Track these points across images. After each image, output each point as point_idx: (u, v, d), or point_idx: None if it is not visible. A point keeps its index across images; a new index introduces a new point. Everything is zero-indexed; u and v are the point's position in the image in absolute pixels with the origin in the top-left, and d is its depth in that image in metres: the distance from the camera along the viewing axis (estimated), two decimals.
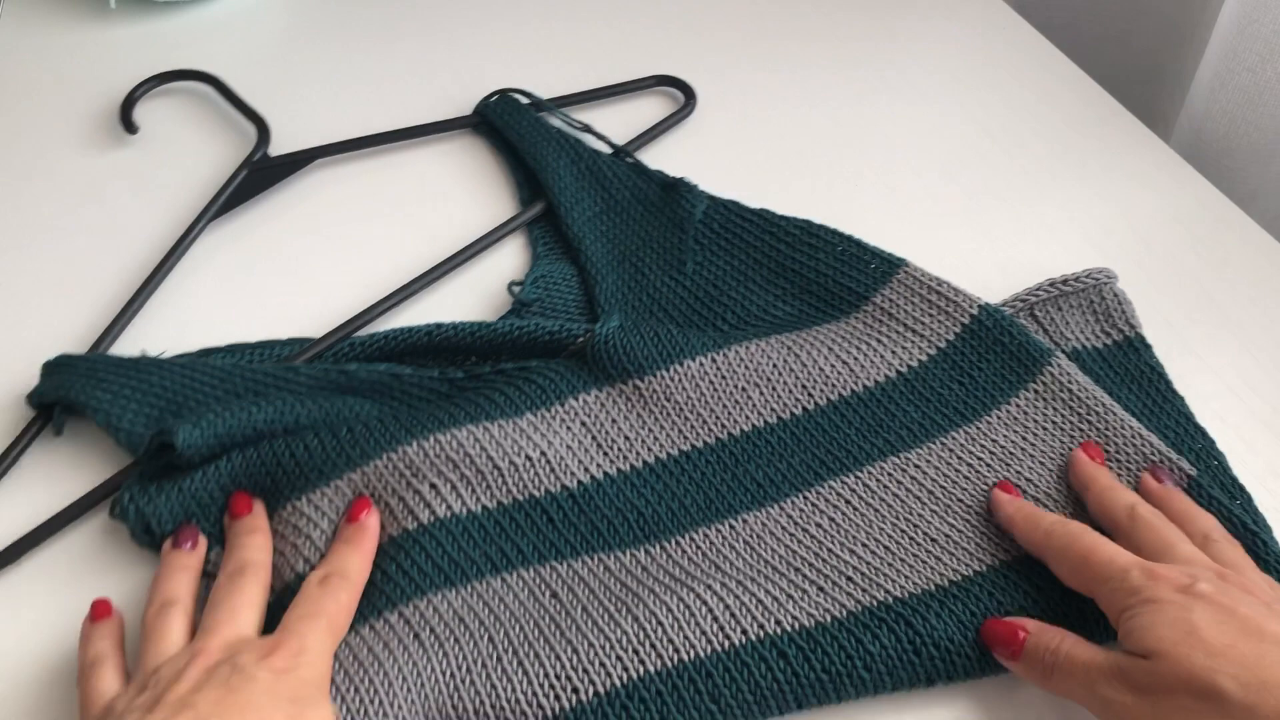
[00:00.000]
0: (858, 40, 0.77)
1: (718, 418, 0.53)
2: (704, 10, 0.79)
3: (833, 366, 0.55)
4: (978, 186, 0.68)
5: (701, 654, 0.44)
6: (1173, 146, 0.71)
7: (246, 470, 0.50)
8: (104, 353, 0.57)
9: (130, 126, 0.70)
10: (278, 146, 0.68)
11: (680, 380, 0.54)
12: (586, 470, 0.51)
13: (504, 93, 0.70)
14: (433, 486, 0.49)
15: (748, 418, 0.53)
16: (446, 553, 0.47)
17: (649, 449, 0.52)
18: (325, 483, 0.49)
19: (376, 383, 0.54)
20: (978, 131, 0.71)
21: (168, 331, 0.60)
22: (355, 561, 0.47)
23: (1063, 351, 0.56)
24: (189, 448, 0.50)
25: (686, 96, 0.72)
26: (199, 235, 0.63)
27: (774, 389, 0.54)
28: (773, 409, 0.54)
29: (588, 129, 0.68)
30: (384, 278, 0.62)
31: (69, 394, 0.53)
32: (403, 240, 0.64)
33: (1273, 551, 0.48)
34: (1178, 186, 0.67)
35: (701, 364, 0.54)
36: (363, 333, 0.58)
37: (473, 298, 0.62)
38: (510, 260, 0.64)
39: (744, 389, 0.54)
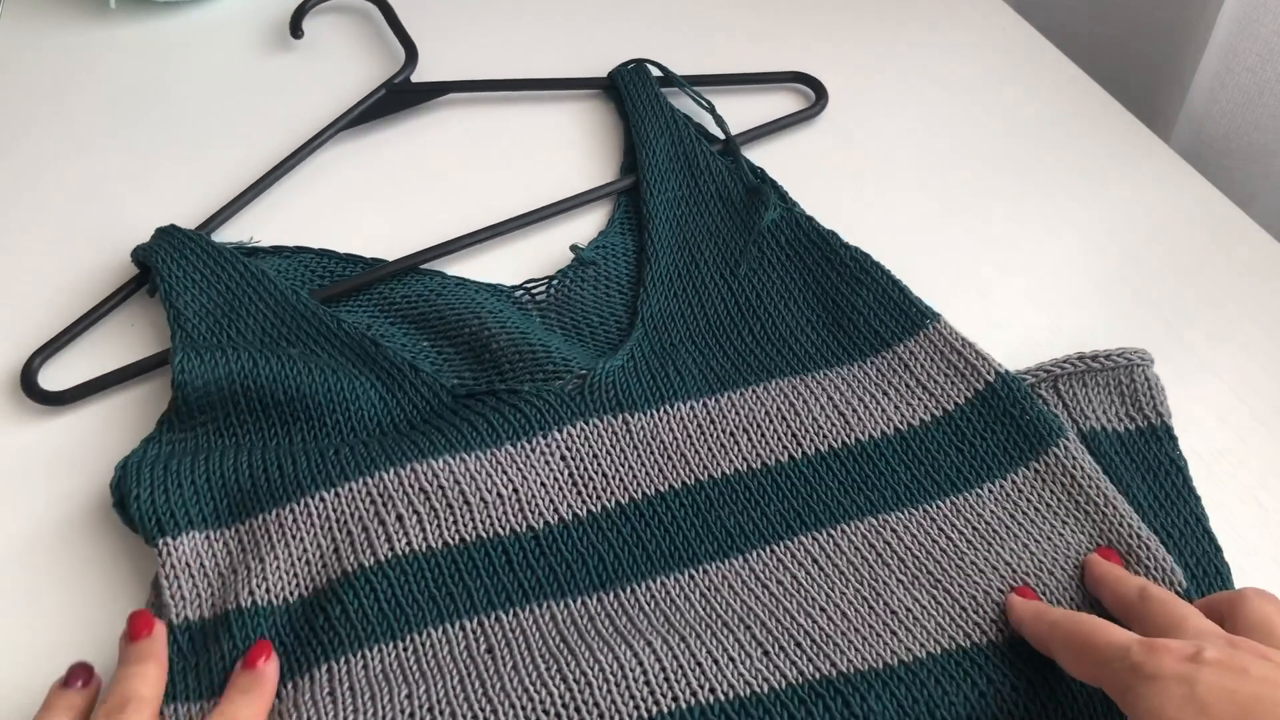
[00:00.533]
0: (856, 41, 0.77)
1: (701, 460, 0.52)
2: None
3: (827, 417, 0.53)
4: (977, 186, 0.68)
5: None
6: (1173, 146, 0.71)
7: (234, 468, 0.51)
8: (210, 232, 0.64)
9: (297, 32, 0.76)
10: (423, 75, 0.73)
11: (669, 421, 0.54)
12: (556, 510, 0.50)
13: (640, 62, 0.72)
14: (399, 517, 0.49)
15: (730, 462, 0.52)
16: (395, 594, 0.47)
17: (625, 488, 0.51)
18: (298, 498, 0.49)
19: (396, 367, 0.55)
20: (977, 131, 0.71)
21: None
22: (248, 712, 0.44)
23: (1080, 431, 0.53)
24: (185, 372, 0.53)
25: (818, 96, 0.72)
26: (327, 141, 0.69)
27: (763, 435, 0.53)
28: (758, 454, 0.52)
29: (712, 109, 0.69)
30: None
31: (155, 259, 0.59)
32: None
33: None
34: (1178, 186, 0.67)
35: (693, 408, 0.54)
36: (432, 265, 0.63)
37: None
38: (594, 226, 0.66)
39: (732, 434, 0.53)
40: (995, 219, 0.66)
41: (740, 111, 0.71)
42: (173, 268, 0.59)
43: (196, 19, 0.79)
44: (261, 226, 0.66)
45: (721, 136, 0.68)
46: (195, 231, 0.61)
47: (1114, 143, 0.70)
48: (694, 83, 0.71)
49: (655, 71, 0.72)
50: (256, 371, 0.54)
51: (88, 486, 0.55)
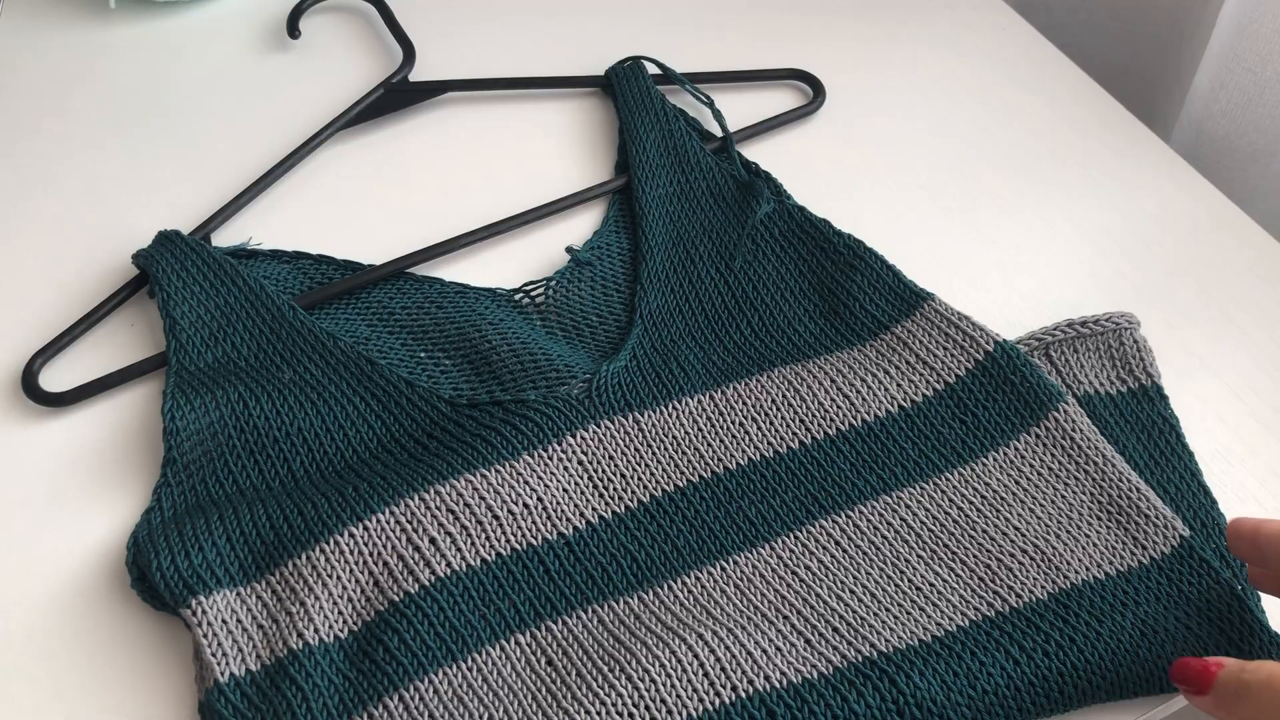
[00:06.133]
0: (855, 40, 0.77)
1: (714, 452, 0.53)
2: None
3: (832, 400, 0.54)
4: (977, 186, 0.68)
5: (694, 713, 0.44)
6: (1173, 146, 0.71)
7: (252, 522, 0.50)
8: (208, 233, 0.64)
9: (294, 32, 0.75)
10: (421, 74, 0.73)
11: (678, 417, 0.54)
12: (582, 515, 0.51)
13: (637, 59, 0.72)
14: (432, 541, 0.49)
15: (744, 452, 0.53)
16: (448, 618, 0.47)
17: (645, 487, 0.52)
18: (326, 538, 0.49)
19: (392, 384, 0.55)
20: (977, 131, 0.71)
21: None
22: None
23: (1075, 396, 0.55)
24: (177, 420, 0.53)
25: (815, 93, 0.72)
26: (326, 140, 0.69)
27: (771, 423, 0.54)
28: (769, 443, 0.53)
29: (711, 104, 0.69)
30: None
31: (155, 268, 0.60)
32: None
33: (1260, 623, 0.47)
34: (1178, 186, 0.67)
35: (700, 402, 0.55)
36: (421, 270, 0.63)
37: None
38: (593, 225, 0.66)
39: (741, 424, 0.54)
40: (994, 218, 0.66)
41: (738, 108, 0.71)
42: (172, 278, 0.59)
43: (196, 19, 0.79)
44: (260, 226, 0.66)
45: (719, 133, 0.68)
46: (196, 240, 0.61)
47: (1114, 143, 0.70)
48: (692, 80, 0.71)
49: (653, 69, 0.72)
50: (248, 412, 0.54)
51: (89, 487, 0.55)
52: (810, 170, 0.68)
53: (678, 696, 0.45)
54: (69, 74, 0.75)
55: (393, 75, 0.72)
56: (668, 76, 0.71)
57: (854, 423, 0.54)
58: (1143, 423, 0.54)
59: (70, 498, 0.54)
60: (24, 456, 0.56)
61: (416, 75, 0.73)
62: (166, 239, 0.61)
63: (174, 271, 0.59)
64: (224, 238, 0.65)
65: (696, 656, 0.45)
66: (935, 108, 0.72)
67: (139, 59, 0.76)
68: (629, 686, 0.45)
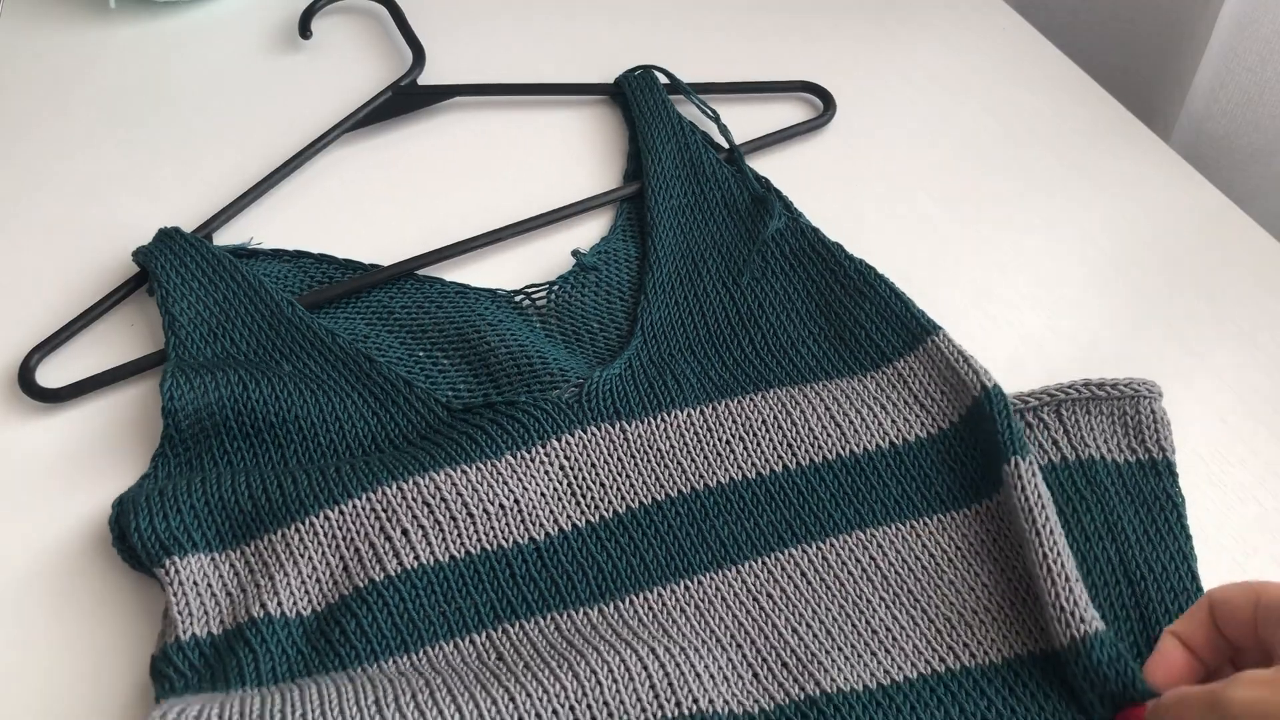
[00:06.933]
0: (858, 41, 0.77)
1: (697, 468, 0.53)
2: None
3: (823, 428, 0.54)
4: (979, 188, 0.68)
5: None
6: (1173, 146, 0.71)
7: (232, 490, 0.51)
8: (211, 233, 0.64)
9: (305, 32, 0.76)
10: (430, 77, 0.74)
11: (666, 429, 0.54)
12: (555, 521, 0.51)
13: (647, 68, 0.72)
14: (404, 532, 0.49)
15: (726, 470, 0.52)
16: (407, 610, 0.47)
17: (622, 497, 0.52)
18: (302, 518, 0.49)
19: (390, 383, 0.55)
20: (979, 134, 0.71)
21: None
22: None
23: (1079, 459, 0.52)
24: (175, 400, 0.53)
25: (826, 106, 0.72)
26: (332, 142, 0.69)
27: (758, 444, 0.53)
28: (753, 464, 0.53)
29: (717, 118, 0.68)
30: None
31: (155, 264, 0.60)
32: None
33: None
34: (1178, 186, 0.67)
35: (689, 415, 0.54)
36: (434, 269, 0.63)
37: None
38: (598, 232, 0.66)
39: (728, 442, 0.53)
40: (996, 219, 0.66)
41: (748, 120, 0.70)
42: (171, 274, 0.59)
43: (197, 19, 0.79)
44: (264, 227, 0.66)
45: (726, 145, 0.68)
46: (196, 236, 0.61)
47: (1114, 143, 0.70)
48: (701, 90, 0.71)
49: (662, 78, 0.72)
50: (247, 395, 0.54)
51: (85, 484, 0.55)
52: (818, 181, 0.68)
53: (620, 702, 0.44)
54: (69, 74, 0.75)
55: (401, 78, 0.72)
56: (675, 87, 0.71)
57: (841, 452, 0.53)
58: (1144, 496, 0.52)
59: (65, 494, 0.54)
60: (19, 452, 0.56)
61: (425, 78, 0.73)
62: (167, 236, 0.61)
63: (173, 268, 0.60)
64: (226, 238, 0.65)
65: (645, 668, 0.45)
66: (939, 114, 0.72)
67: (139, 59, 0.76)
68: (574, 683, 0.44)
